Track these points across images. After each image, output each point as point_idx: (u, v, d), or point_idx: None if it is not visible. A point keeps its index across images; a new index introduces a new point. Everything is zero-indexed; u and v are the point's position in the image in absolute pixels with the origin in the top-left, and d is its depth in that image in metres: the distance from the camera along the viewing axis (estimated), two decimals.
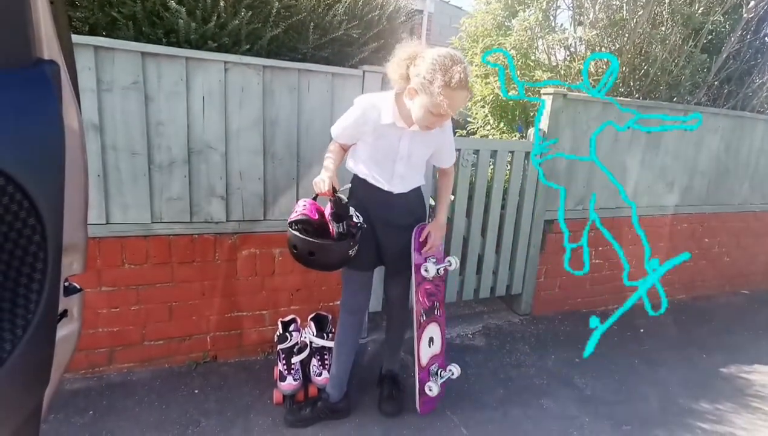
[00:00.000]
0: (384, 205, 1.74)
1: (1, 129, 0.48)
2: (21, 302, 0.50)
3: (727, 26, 3.34)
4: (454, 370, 1.98)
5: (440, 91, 1.42)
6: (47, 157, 0.52)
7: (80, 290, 0.68)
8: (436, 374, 1.97)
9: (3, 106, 0.49)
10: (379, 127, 1.62)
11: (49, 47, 0.55)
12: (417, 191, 1.82)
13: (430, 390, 1.90)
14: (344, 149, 1.76)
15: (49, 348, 0.56)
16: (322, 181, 1.56)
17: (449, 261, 1.90)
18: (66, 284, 0.64)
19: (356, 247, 1.61)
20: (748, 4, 3.11)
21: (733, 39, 3.20)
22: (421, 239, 1.83)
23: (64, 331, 0.62)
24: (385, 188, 1.72)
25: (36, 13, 0.52)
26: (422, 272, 1.84)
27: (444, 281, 2.01)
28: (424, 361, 1.92)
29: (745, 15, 3.13)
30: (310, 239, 1.54)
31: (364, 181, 1.73)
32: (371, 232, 1.78)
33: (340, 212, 1.56)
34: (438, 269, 1.86)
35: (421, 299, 1.88)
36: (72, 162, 0.57)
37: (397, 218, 1.78)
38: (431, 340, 1.95)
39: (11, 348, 0.49)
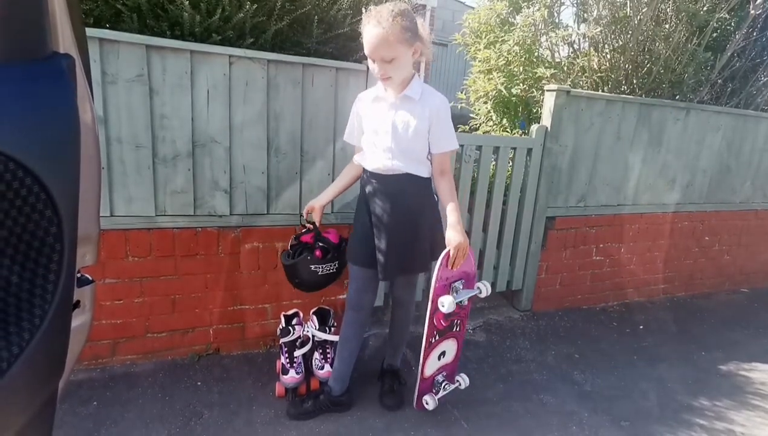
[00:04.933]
0: (382, 194, 1.71)
1: (19, 122, 0.49)
2: (38, 293, 0.51)
3: (732, 24, 3.33)
4: (462, 381, 1.95)
5: (363, 30, 1.56)
6: (63, 150, 0.53)
7: (92, 281, 0.69)
8: (441, 384, 1.93)
9: (20, 99, 0.50)
10: (370, 107, 1.72)
11: (64, 41, 0.55)
12: (418, 183, 1.71)
13: (427, 404, 1.88)
14: (356, 163, 1.84)
15: (64, 338, 0.57)
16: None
17: (479, 288, 1.75)
18: (78, 275, 0.65)
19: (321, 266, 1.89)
20: (756, 0, 3.09)
21: (738, 36, 3.19)
22: (447, 263, 1.68)
23: (77, 321, 0.64)
24: (380, 167, 1.69)
25: (52, 7, 0.53)
26: (439, 306, 1.66)
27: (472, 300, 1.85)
28: (428, 372, 1.88)
29: (752, 12, 3.11)
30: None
31: (366, 171, 1.77)
32: (372, 228, 1.78)
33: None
34: (461, 301, 1.69)
35: (437, 323, 1.78)
36: (86, 155, 0.58)
37: (394, 208, 1.69)
38: (443, 354, 1.90)
39: (29, 337, 0.50)
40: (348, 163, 1.92)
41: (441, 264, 1.68)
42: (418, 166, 1.70)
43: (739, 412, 2.16)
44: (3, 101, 0.48)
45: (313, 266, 1.87)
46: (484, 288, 1.75)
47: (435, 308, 1.72)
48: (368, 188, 1.76)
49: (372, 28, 1.52)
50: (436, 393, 1.92)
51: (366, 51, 1.57)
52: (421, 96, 1.64)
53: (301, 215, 2.04)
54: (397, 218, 1.70)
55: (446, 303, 1.64)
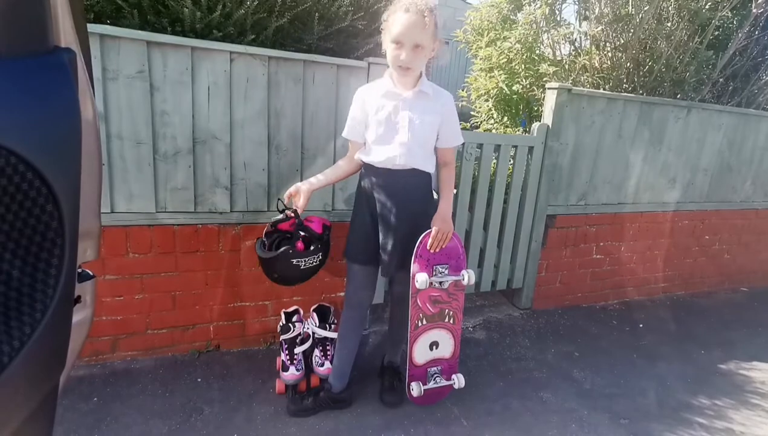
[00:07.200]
0: (387, 188, 1.71)
1: (20, 116, 0.49)
2: (39, 287, 0.51)
3: (734, 22, 3.32)
4: (456, 380, 1.93)
5: (392, 18, 1.56)
6: (65, 145, 0.53)
7: (93, 276, 0.69)
8: (433, 376, 1.94)
9: (22, 94, 0.49)
10: (379, 101, 1.68)
11: (65, 35, 0.55)
12: (423, 179, 1.74)
13: (412, 390, 1.89)
14: (355, 159, 1.79)
15: (65, 332, 0.57)
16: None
17: (463, 274, 1.75)
18: (79, 270, 0.65)
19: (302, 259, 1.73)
20: None
21: (740, 35, 3.18)
22: (428, 247, 1.73)
23: (78, 316, 0.64)
24: (392, 160, 1.67)
25: (53, 1, 0.52)
26: (415, 282, 1.71)
27: (462, 290, 1.87)
28: (418, 360, 1.90)
29: (754, 10, 3.10)
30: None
31: (369, 166, 1.73)
32: (373, 225, 1.78)
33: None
34: (440, 283, 1.72)
35: (421, 305, 1.81)
36: (87, 150, 0.58)
37: (399, 204, 1.71)
38: (435, 344, 1.90)
39: (30, 332, 0.50)
40: (344, 158, 1.85)
41: (421, 243, 1.73)
42: (426, 161, 1.73)
43: (738, 411, 2.17)
44: (4, 95, 0.48)
45: (294, 260, 1.69)
46: (467, 275, 1.76)
47: (416, 289, 1.76)
48: (373, 185, 1.73)
49: (405, 14, 1.53)
50: (426, 384, 1.92)
51: (395, 35, 1.54)
52: (433, 92, 1.69)
53: (279, 200, 1.83)
54: (403, 214, 1.72)
55: (420, 280, 1.69)
